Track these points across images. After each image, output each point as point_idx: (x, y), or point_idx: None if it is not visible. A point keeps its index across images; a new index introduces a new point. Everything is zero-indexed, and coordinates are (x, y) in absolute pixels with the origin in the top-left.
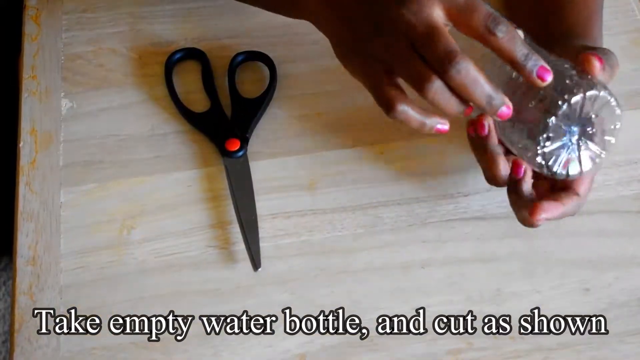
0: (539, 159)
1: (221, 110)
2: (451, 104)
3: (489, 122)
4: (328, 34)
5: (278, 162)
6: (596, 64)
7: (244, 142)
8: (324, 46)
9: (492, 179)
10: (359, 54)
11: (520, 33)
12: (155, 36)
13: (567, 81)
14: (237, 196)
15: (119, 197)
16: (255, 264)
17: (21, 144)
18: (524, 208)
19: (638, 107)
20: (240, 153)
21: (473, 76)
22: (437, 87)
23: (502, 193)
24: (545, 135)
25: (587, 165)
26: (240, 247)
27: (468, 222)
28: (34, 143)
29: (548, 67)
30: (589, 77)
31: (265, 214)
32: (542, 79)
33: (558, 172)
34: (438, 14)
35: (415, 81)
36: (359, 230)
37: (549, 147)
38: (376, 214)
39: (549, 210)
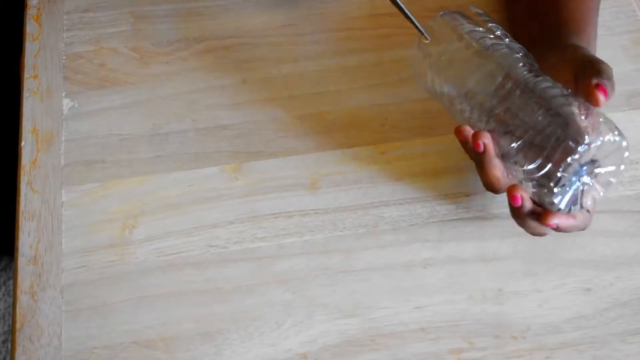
0: (547, 198)
1: None
2: None
3: (484, 141)
4: None
5: (279, 162)
6: (601, 99)
7: None
8: (325, 46)
9: (490, 185)
10: None
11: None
12: (157, 36)
13: (581, 123)
14: None
15: (120, 197)
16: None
17: (22, 143)
18: (533, 219)
19: (638, 107)
20: None
21: None
22: None
23: (503, 193)
24: (555, 179)
25: (588, 202)
26: (241, 246)
27: (469, 221)
28: (36, 142)
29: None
30: (602, 118)
31: (267, 213)
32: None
33: (562, 208)
34: None
35: None
36: (361, 229)
37: (557, 189)
38: (377, 213)
39: (560, 217)
